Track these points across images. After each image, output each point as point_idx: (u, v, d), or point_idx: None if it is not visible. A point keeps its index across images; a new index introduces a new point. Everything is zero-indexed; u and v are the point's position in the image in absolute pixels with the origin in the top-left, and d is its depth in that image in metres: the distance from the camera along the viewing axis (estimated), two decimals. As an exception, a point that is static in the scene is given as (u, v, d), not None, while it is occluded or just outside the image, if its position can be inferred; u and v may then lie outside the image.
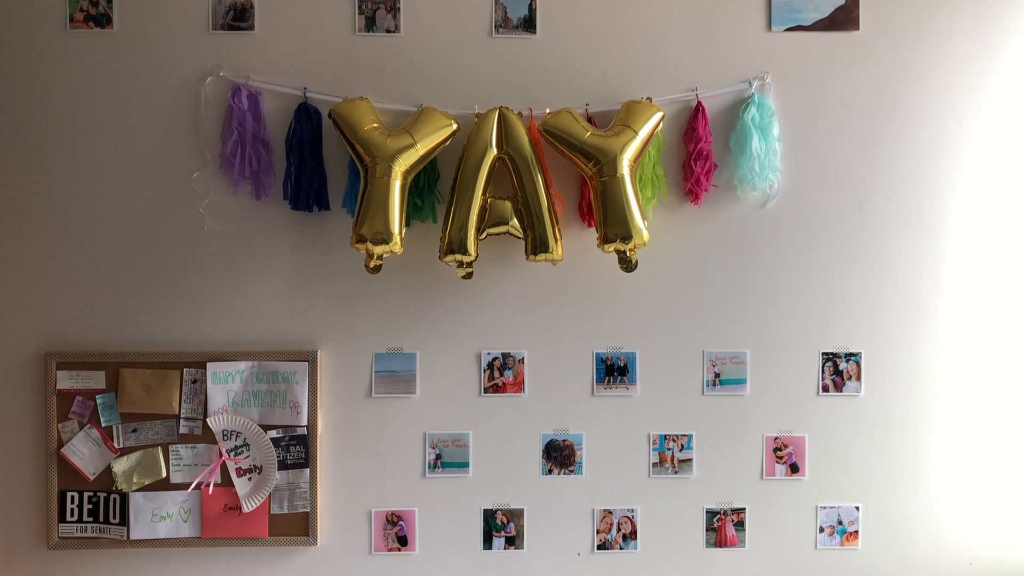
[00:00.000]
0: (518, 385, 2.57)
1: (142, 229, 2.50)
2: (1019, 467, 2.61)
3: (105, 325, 2.50)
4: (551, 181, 2.43)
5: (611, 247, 2.36)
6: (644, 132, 2.37)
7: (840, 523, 2.59)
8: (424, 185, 2.48)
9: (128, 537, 2.48)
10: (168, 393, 2.49)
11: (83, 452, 2.48)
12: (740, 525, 2.59)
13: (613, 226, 2.34)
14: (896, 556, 2.60)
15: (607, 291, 2.56)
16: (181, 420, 2.50)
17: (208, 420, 2.49)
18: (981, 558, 2.62)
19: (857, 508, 2.59)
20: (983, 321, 2.59)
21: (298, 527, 2.52)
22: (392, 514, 2.56)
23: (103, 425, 2.48)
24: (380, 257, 2.35)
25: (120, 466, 2.48)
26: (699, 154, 2.49)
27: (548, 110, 2.43)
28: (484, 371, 2.56)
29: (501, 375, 2.57)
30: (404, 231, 2.35)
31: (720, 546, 2.59)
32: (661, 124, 2.43)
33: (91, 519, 2.49)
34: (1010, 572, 2.61)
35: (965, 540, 2.61)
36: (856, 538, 2.59)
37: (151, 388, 2.48)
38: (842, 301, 2.57)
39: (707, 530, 2.59)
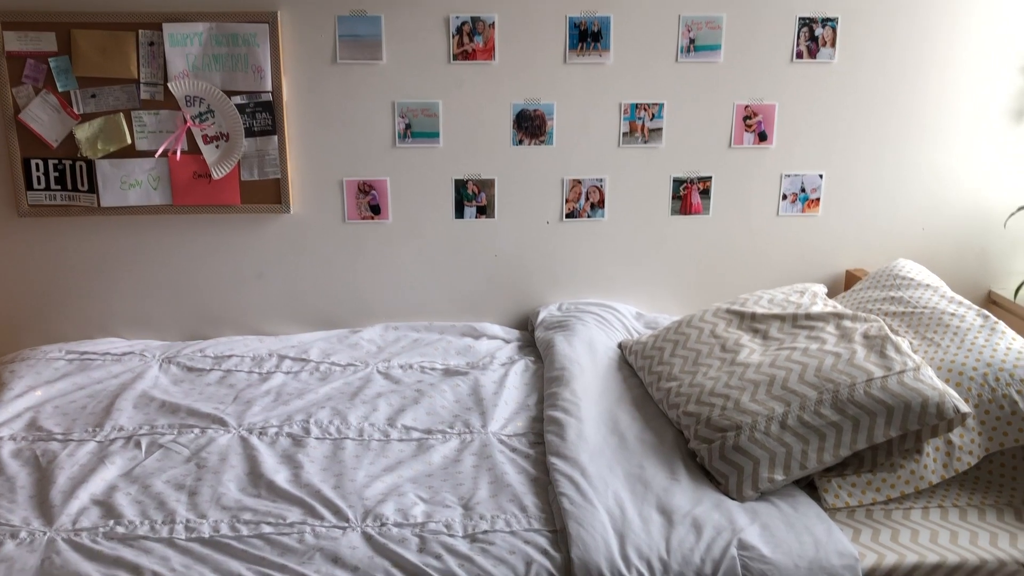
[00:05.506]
0: (488, 52, 2.50)
1: None
2: (977, 138, 2.65)
3: (48, -18, 2.35)
4: None
5: None
6: None
7: (803, 190, 2.65)
8: None
9: (99, 204, 2.48)
10: (125, 56, 2.39)
11: (42, 118, 2.41)
12: (705, 193, 2.64)
13: None
14: (854, 223, 2.70)
15: (581, -51, 2.43)
16: (141, 85, 2.42)
17: (169, 85, 2.41)
18: (933, 225, 2.72)
19: (820, 176, 2.65)
20: (965, -14, 2.53)
21: (270, 195, 2.53)
22: (364, 183, 2.57)
23: (60, 90, 2.40)
24: (339, -98, 2.19)
25: (83, 132, 2.43)
26: None
27: None
28: (453, 36, 2.48)
29: (471, 41, 2.49)
30: None
31: (685, 213, 2.66)
32: None
33: (59, 187, 2.47)
34: (958, 236, 2.74)
35: (920, 208, 2.70)
36: (817, 205, 2.67)
37: (107, 51, 2.38)
38: (824, -38, 2.48)
39: (673, 198, 2.65)
